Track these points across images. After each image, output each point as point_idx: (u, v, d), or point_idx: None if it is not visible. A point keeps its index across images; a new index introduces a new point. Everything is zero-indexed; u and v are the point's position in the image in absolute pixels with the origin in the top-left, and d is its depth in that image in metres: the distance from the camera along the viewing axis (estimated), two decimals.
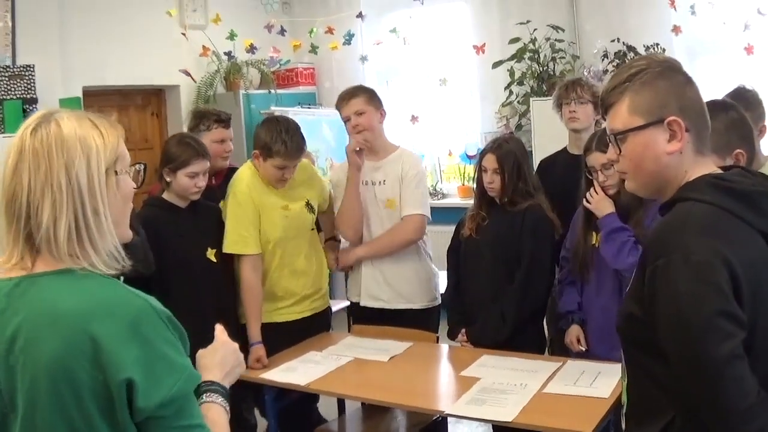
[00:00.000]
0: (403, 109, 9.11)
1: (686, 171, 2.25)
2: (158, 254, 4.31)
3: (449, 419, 4.75)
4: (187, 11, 8.74)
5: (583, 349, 4.43)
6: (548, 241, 4.64)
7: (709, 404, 2.02)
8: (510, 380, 4.01)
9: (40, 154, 1.90)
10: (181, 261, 4.50)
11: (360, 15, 9.00)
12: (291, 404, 4.62)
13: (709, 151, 2.30)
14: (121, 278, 2.01)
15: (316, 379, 4.27)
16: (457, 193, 9.20)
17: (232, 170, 5.20)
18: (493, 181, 4.65)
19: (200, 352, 2.19)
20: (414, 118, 8.88)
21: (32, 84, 7.02)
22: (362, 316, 5.19)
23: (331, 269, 5.19)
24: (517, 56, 8.06)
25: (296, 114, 8.28)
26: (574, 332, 4.49)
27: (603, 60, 7.69)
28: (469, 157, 9.05)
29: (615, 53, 7.60)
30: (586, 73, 7.54)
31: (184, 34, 8.57)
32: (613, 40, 7.63)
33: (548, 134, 6.37)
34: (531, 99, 7.89)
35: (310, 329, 4.96)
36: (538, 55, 8.07)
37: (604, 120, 2.45)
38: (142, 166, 2.20)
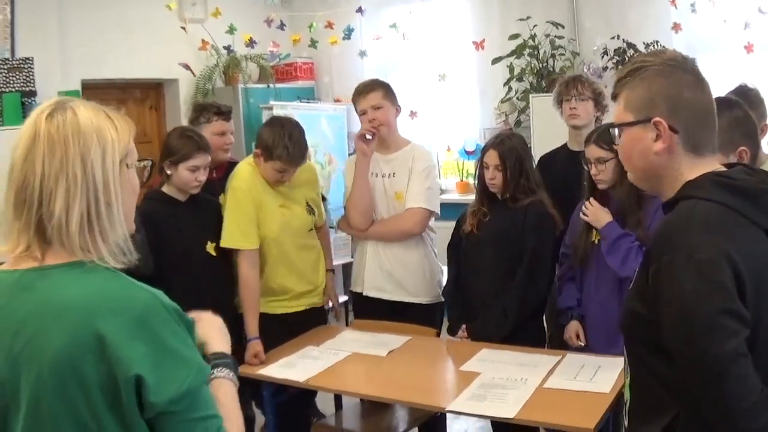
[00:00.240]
0: (402, 105, 8.97)
1: (680, 171, 2.26)
2: (158, 248, 4.28)
3: (448, 414, 4.73)
4: (186, 5, 8.71)
5: (582, 344, 4.43)
6: (550, 238, 4.64)
7: (712, 402, 2.01)
8: (510, 375, 4.00)
9: (55, 141, 1.87)
10: (181, 255, 4.49)
11: (360, 10, 9.00)
12: (289, 399, 4.61)
13: (711, 152, 2.29)
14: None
15: (314, 375, 4.25)
16: (455, 189, 9.18)
17: (233, 164, 5.19)
18: (495, 177, 4.65)
19: (198, 322, 2.10)
20: (413, 114, 8.84)
21: (31, 77, 7.00)
22: (365, 308, 5.20)
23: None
24: (517, 52, 8.05)
25: (295, 109, 8.32)
26: (573, 328, 4.49)
27: (603, 57, 7.68)
28: (468, 153, 9.03)
29: (615, 50, 7.60)
30: (585, 70, 7.54)
31: (183, 28, 8.54)
32: (613, 37, 7.62)
33: (547, 131, 6.37)
34: (530, 95, 7.90)
35: (306, 322, 4.96)
36: (538, 52, 8.06)
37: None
38: (150, 163, 2.19)
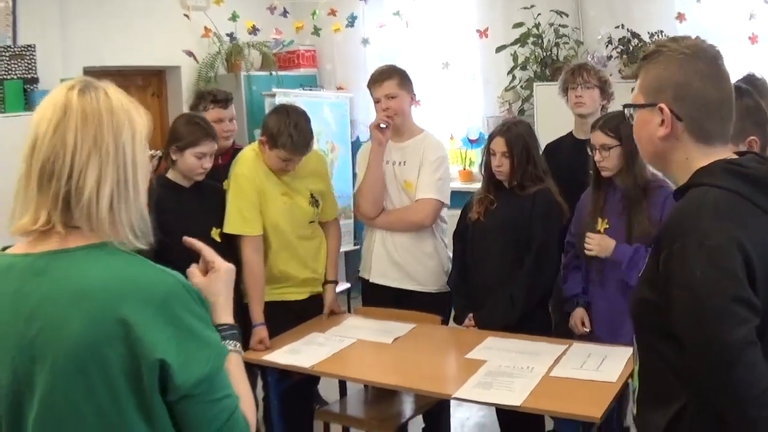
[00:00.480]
0: None
1: (688, 158, 2.26)
2: (162, 234, 4.25)
3: (451, 402, 4.74)
4: None
5: (587, 330, 4.43)
6: (557, 226, 4.64)
7: (721, 390, 2.01)
8: (516, 363, 4.00)
9: (89, 116, 1.86)
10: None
11: None
12: (293, 386, 4.61)
13: (723, 142, 2.29)
14: None
15: (320, 361, 4.25)
16: (458, 178, 9.15)
17: (239, 150, 5.16)
18: (502, 164, 4.63)
19: (202, 286, 2.06)
20: (416, 102, 8.82)
21: (33, 64, 6.98)
22: (372, 294, 5.19)
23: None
24: (521, 41, 8.01)
25: (298, 96, 8.28)
26: (578, 315, 4.51)
27: (607, 46, 7.65)
28: (471, 142, 9.00)
29: (619, 40, 7.56)
30: (589, 59, 7.51)
31: (186, 15, 8.50)
32: (617, 27, 7.58)
33: (551, 119, 6.35)
34: (534, 84, 7.85)
35: (310, 309, 4.95)
36: (542, 40, 8.02)
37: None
38: (159, 153, 2.19)
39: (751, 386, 1.97)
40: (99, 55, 7.75)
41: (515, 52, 8.11)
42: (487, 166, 4.77)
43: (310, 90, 9.24)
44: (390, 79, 4.97)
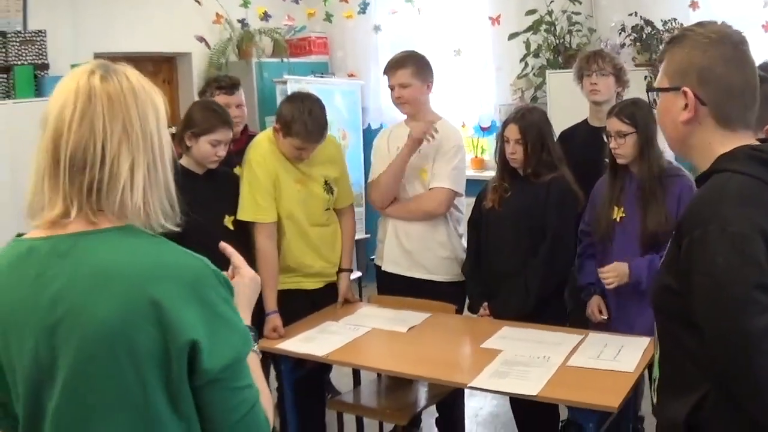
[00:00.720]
0: None
1: (711, 144, 2.24)
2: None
3: (465, 391, 4.73)
4: None
5: (605, 317, 4.39)
6: (573, 214, 4.61)
7: (742, 378, 1.98)
8: (532, 353, 3.98)
9: (115, 101, 1.82)
10: (199, 229, 4.42)
11: None
12: (305, 374, 4.59)
13: (745, 128, 2.26)
14: None
15: (334, 349, 4.23)
16: (470, 166, 9.12)
17: (252, 137, 5.13)
18: (516, 152, 4.60)
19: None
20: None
21: (44, 49, 6.97)
22: (386, 282, 5.17)
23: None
24: (534, 28, 7.96)
25: (309, 83, 8.26)
26: (595, 302, 4.49)
27: (620, 34, 7.60)
28: (483, 130, 8.99)
29: (632, 27, 7.51)
30: (603, 47, 7.46)
31: (197, 1, 8.45)
32: (630, 14, 7.53)
33: (564, 107, 6.31)
34: (547, 71, 7.82)
35: (325, 298, 4.93)
36: (555, 28, 7.98)
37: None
38: (173, 130, 2.15)
39: None
40: (110, 41, 7.73)
41: (528, 39, 8.07)
42: (501, 153, 4.73)
43: (322, 77, 9.21)
44: (404, 68, 4.93)
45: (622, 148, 4.33)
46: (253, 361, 1.97)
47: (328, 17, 8.92)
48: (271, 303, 4.54)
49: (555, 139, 4.75)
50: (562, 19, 7.92)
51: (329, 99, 8.27)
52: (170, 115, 7.18)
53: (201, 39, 8.57)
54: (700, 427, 2.13)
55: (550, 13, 7.90)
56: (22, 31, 7.00)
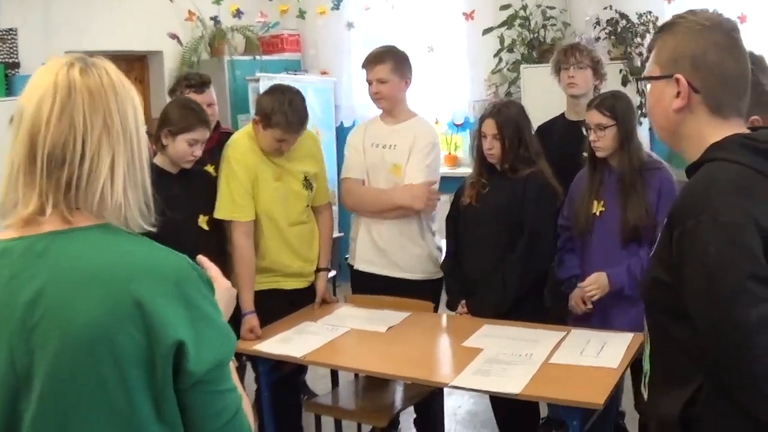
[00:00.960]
0: None
1: (702, 132, 2.19)
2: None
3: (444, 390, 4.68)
4: None
5: (590, 308, 4.34)
6: (551, 209, 4.56)
7: (736, 370, 1.94)
8: (514, 350, 3.93)
9: (95, 95, 1.74)
10: (173, 229, 4.34)
11: None
12: (283, 376, 4.52)
13: (737, 116, 2.21)
14: None
15: (312, 350, 4.15)
16: (443, 162, 9.07)
17: (226, 134, 5.06)
18: (493, 147, 4.54)
19: None
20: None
21: (15, 48, 6.92)
22: (361, 282, 5.09)
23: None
24: (508, 23, 7.94)
25: (282, 80, 8.16)
26: (578, 294, 4.41)
27: (595, 27, 7.58)
28: (457, 126, 8.98)
29: (607, 21, 7.49)
30: (577, 41, 7.43)
31: None
32: (605, 8, 7.52)
33: (539, 102, 6.27)
34: (521, 66, 7.80)
35: (302, 298, 4.85)
36: (529, 22, 7.95)
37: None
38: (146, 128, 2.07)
39: (767, 367, 1.90)
40: (82, 39, 7.62)
41: (502, 34, 8.04)
42: (478, 149, 4.68)
43: (295, 74, 9.16)
44: (382, 63, 4.87)
45: (602, 140, 4.30)
46: (231, 365, 1.91)
47: (301, 14, 8.88)
48: (248, 303, 4.46)
49: (532, 133, 4.68)
50: (536, 14, 7.91)
51: None
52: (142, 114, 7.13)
53: (174, 36, 8.51)
54: (693, 421, 2.08)
55: (524, 7, 7.90)
56: None
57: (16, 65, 6.86)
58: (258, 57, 9.02)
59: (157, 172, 4.29)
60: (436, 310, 4.91)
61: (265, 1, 8.96)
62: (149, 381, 1.66)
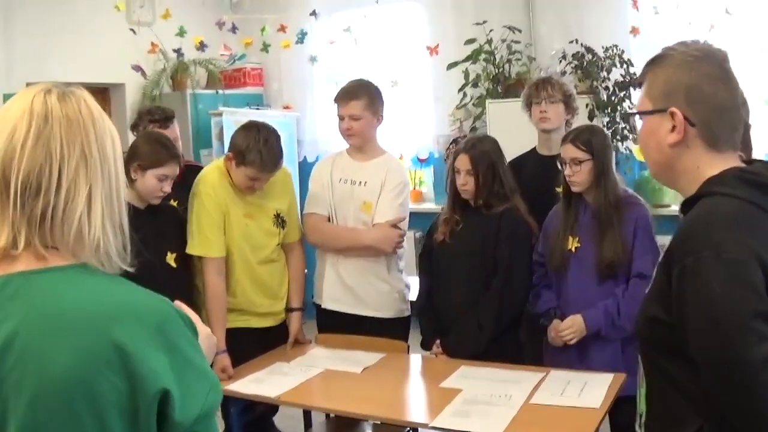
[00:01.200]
0: None
1: (698, 167, 2.15)
2: None
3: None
4: (134, 7, 8.49)
5: (571, 339, 4.27)
6: (526, 246, 4.50)
7: (742, 410, 1.89)
8: (493, 391, 3.84)
9: (74, 123, 1.66)
10: (140, 267, 4.23)
11: (314, 13, 8.87)
12: (256, 417, 4.42)
13: (732, 149, 2.18)
14: None
15: (286, 390, 4.05)
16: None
17: (194, 169, 4.96)
18: (467, 182, 4.49)
19: None
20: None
21: None
22: (327, 321, 4.98)
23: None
24: (473, 57, 7.92)
25: (245, 115, 8.12)
26: (557, 327, 4.35)
27: (560, 62, 7.57)
28: (421, 161, 8.93)
29: (573, 55, 7.49)
30: (542, 75, 7.43)
31: (133, 30, 8.29)
32: (571, 42, 7.52)
33: (505, 137, 6.17)
34: (487, 101, 7.77)
35: (273, 337, 4.75)
36: (494, 57, 7.93)
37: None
38: None
39: None
40: (43, 70, 7.55)
41: (467, 69, 8.01)
42: (452, 184, 4.61)
43: (257, 109, 9.09)
44: (356, 100, 4.79)
45: (578, 175, 4.25)
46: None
47: (265, 47, 8.80)
48: (220, 342, 4.33)
49: (507, 169, 4.62)
50: (501, 48, 7.88)
51: None
52: None
53: (138, 68, 8.42)
54: None
55: (489, 42, 7.86)
56: None
57: None
58: (220, 91, 8.98)
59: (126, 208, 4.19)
60: (407, 350, 4.81)
61: (229, 34, 8.87)
62: (133, 430, 1.54)
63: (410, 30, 8.91)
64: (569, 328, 4.25)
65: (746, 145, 3.13)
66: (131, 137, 4.98)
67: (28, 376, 1.52)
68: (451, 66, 8.09)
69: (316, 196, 4.95)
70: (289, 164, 8.67)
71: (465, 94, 8.17)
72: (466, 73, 8.05)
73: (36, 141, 1.62)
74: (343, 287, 4.87)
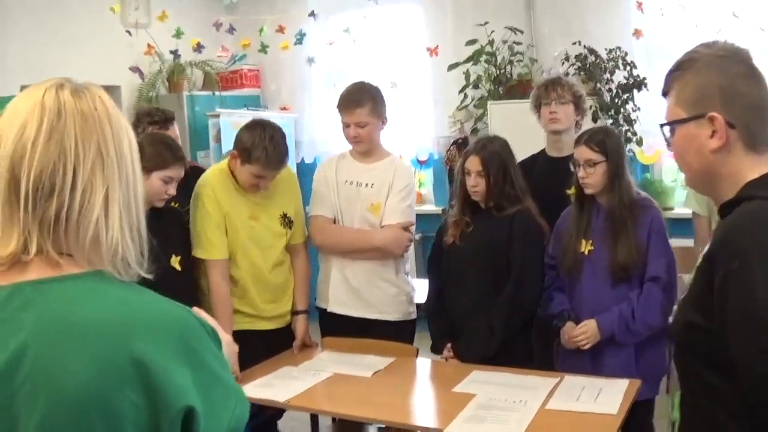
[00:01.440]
0: None
1: (740, 170, 2.07)
2: None
3: None
4: (129, 9, 8.42)
5: (585, 343, 4.20)
6: (538, 249, 4.43)
7: None
8: (508, 396, 3.77)
9: (89, 120, 1.53)
10: (146, 270, 4.15)
11: (312, 14, 8.79)
12: (265, 421, 4.35)
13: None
14: None
15: (296, 395, 3.98)
16: None
17: (196, 170, 4.88)
18: (478, 184, 4.41)
19: None
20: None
21: None
22: (331, 324, 4.89)
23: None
24: (474, 58, 7.86)
25: (242, 117, 8.04)
26: (571, 328, 4.28)
27: (563, 63, 7.51)
28: (420, 163, 8.87)
29: (576, 56, 7.43)
30: (544, 77, 7.37)
31: (129, 32, 8.23)
32: (574, 43, 7.46)
33: (507, 139, 6.20)
34: (489, 102, 7.71)
35: (279, 339, 4.68)
36: (495, 58, 7.87)
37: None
38: None
39: None
40: (38, 73, 7.29)
41: (467, 70, 7.95)
42: (462, 186, 4.53)
43: (255, 110, 9.01)
44: (361, 107, 4.71)
45: (591, 177, 4.18)
46: None
47: (263, 48, 8.72)
48: None
49: (518, 170, 4.54)
50: (503, 49, 7.82)
51: None
52: None
53: (136, 69, 8.34)
54: None
55: (491, 43, 7.80)
56: None
57: None
58: (217, 92, 8.90)
59: None
60: (416, 353, 4.74)
61: (227, 35, 8.79)
62: None
63: (410, 31, 8.86)
64: (583, 334, 4.19)
65: None
66: None
67: (39, 392, 1.39)
68: (452, 67, 8.03)
69: (321, 198, 4.87)
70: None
71: (466, 96, 8.11)
72: (467, 74, 7.99)
73: (49, 138, 1.50)
74: (350, 290, 4.80)
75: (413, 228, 4.86)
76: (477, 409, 3.64)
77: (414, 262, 7.14)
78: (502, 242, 4.37)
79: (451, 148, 8.17)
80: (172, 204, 4.56)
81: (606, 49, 7.33)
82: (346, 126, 4.77)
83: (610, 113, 7.15)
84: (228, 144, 7.24)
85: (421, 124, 8.90)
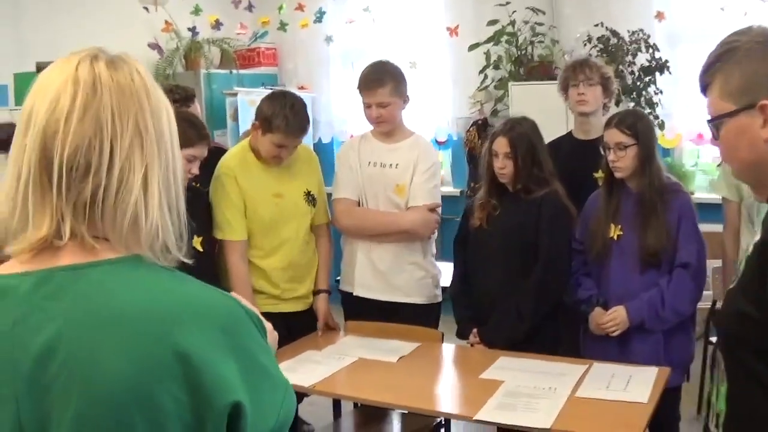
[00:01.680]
0: None
1: None
2: None
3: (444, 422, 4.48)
4: None
5: (615, 330, 4.15)
6: (567, 233, 4.36)
7: None
8: (537, 384, 3.71)
9: (127, 94, 1.42)
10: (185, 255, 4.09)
11: None
12: None
13: None
14: None
15: (320, 380, 3.92)
16: None
17: (219, 151, 4.82)
18: (505, 166, 4.33)
19: None
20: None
21: None
22: (356, 307, 4.82)
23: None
24: (495, 39, 7.76)
25: (260, 95, 7.96)
26: (600, 313, 4.23)
27: (585, 45, 7.42)
28: (439, 143, 8.80)
29: (598, 38, 7.34)
30: (566, 59, 7.28)
31: (146, 8, 8.14)
32: (596, 25, 7.37)
33: None
34: (510, 83, 7.62)
35: (302, 322, 4.61)
36: (516, 39, 7.78)
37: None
38: None
39: None
40: (53, 50, 7.22)
41: (488, 50, 7.86)
42: (489, 168, 4.45)
43: (272, 89, 8.93)
44: (383, 87, 4.63)
45: (622, 160, 4.11)
46: None
47: (283, 26, 8.66)
48: None
49: (546, 152, 4.46)
50: (524, 30, 7.73)
51: None
52: None
53: (155, 46, 8.29)
54: None
55: (512, 23, 7.71)
56: None
57: None
58: (234, 71, 8.83)
59: None
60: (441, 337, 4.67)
61: (245, 13, 8.73)
62: None
63: (429, 10, 8.77)
64: (611, 321, 4.13)
65: None
66: None
67: (74, 386, 1.31)
68: (472, 47, 7.94)
69: (345, 180, 4.80)
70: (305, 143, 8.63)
71: (486, 76, 8.03)
72: (488, 55, 7.90)
73: (84, 113, 1.38)
74: (376, 273, 4.73)
75: (440, 209, 4.79)
76: (506, 396, 3.59)
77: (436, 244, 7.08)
78: (529, 226, 4.30)
79: (471, 129, 8.08)
80: (194, 184, 4.51)
81: (628, 31, 7.24)
82: (367, 107, 4.70)
83: (632, 96, 7.06)
84: (245, 123, 7.20)
85: (440, 104, 8.82)
